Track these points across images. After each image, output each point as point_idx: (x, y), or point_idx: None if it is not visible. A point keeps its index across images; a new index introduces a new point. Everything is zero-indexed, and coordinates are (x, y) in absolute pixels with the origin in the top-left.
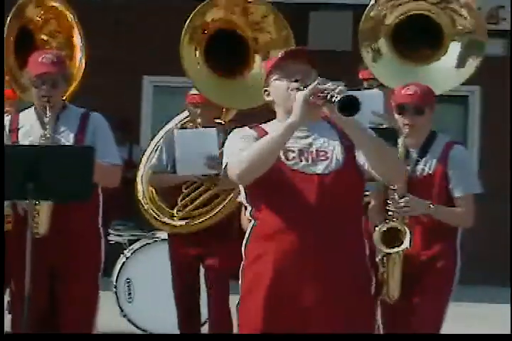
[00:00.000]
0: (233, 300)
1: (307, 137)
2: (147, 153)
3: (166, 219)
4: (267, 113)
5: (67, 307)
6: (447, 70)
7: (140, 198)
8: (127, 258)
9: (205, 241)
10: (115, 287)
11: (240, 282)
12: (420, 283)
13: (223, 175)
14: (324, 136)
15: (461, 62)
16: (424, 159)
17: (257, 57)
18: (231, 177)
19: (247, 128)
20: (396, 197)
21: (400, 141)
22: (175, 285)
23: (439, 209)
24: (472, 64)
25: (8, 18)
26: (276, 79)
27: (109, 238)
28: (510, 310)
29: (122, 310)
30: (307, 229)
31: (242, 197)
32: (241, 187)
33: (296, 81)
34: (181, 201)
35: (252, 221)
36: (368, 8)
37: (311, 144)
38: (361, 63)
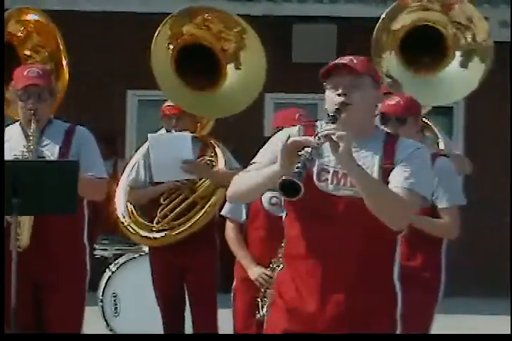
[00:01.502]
0: (222, 314)
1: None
2: (127, 170)
3: (145, 233)
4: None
5: (52, 320)
6: (456, 80)
7: (119, 215)
8: (113, 272)
9: (185, 253)
10: (101, 301)
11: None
12: (404, 295)
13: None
14: (366, 157)
15: (467, 73)
16: None
17: (229, 67)
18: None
19: (298, 127)
20: None
21: None
22: (159, 300)
23: (422, 220)
24: (478, 73)
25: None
26: (327, 89)
27: (95, 252)
28: (510, 321)
29: (108, 325)
30: (329, 251)
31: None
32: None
33: (338, 95)
34: (160, 212)
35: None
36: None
37: None
38: None
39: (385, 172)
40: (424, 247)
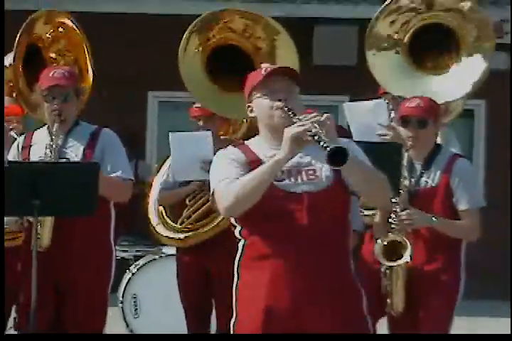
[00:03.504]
0: None
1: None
2: (161, 172)
3: (170, 234)
4: None
5: (75, 321)
6: (455, 81)
7: (150, 216)
8: (133, 274)
9: (210, 256)
10: (121, 302)
11: (234, 300)
12: (424, 297)
13: (211, 200)
14: (310, 154)
15: (469, 73)
16: (427, 172)
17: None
18: (218, 208)
19: (233, 149)
20: (398, 210)
21: (405, 155)
22: (184, 304)
23: (442, 223)
24: (479, 75)
25: (18, 35)
26: (259, 97)
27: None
28: (510, 324)
29: (128, 326)
30: (299, 247)
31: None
32: None
33: (279, 100)
34: (185, 213)
35: (242, 240)
36: (371, 23)
37: (299, 163)
38: None
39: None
40: (443, 249)
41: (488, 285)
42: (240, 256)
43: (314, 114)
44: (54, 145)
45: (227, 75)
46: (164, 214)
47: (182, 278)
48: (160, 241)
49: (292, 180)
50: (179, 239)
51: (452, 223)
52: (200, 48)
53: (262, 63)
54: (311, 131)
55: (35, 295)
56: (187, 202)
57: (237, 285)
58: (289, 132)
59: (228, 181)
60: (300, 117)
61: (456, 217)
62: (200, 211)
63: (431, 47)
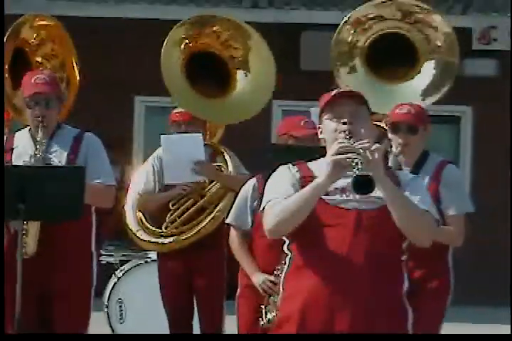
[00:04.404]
0: (227, 321)
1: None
2: (135, 178)
3: (154, 239)
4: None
5: (57, 328)
6: (420, 90)
7: (128, 222)
8: (119, 278)
9: (193, 259)
10: (107, 307)
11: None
12: (414, 303)
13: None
14: None
15: (433, 82)
16: None
17: (239, 73)
18: (264, 228)
19: (291, 166)
20: None
21: (390, 160)
22: (166, 308)
23: None
24: (444, 84)
25: (4, 39)
26: (326, 119)
27: (101, 258)
28: (510, 330)
29: (114, 331)
30: (342, 265)
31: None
32: None
33: (344, 123)
34: (169, 218)
35: (289, 254)
36: (337, 32)
37: None
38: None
39: None
40: (431, 255)
41: (473, 291)
42: (286, 269)
43: (366, 140)
44: (38, 155)
45: (203, 81)
46: (144, 220)
47: (164, 283)
48: (142, 247)
49: (344, 196)
50: (162, 243)
51: (440, 229)
52: (181, 49)
53: (237, 69)
54: (350, 158)
55: (19, 303)
56: (170, 206)
57: (280, 298)
58: (330, 157)
59: (274, 202)
60: (351, 142)
61: (443, 222)
62: (185, 214)
63: (390, 56)
